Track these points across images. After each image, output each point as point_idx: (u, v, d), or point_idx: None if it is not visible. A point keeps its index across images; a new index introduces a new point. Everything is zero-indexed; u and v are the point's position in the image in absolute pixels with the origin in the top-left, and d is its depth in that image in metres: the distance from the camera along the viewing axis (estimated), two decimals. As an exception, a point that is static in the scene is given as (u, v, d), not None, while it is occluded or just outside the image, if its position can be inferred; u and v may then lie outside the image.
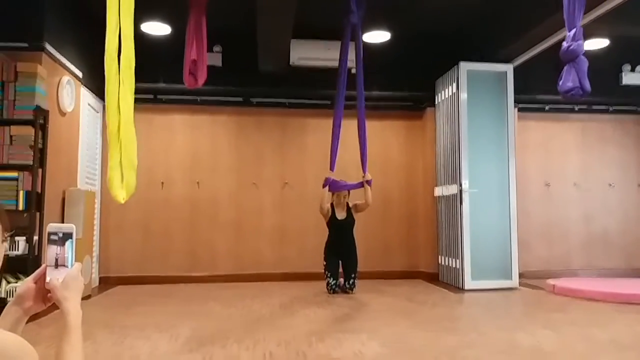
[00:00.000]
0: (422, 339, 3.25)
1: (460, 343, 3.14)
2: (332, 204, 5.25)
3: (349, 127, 5.28)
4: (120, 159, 2.32)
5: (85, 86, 5.14)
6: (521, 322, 3.82)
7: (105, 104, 2.37)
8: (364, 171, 5.07)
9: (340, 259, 5.17)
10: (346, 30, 4.80)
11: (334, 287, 5.05)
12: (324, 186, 5.09)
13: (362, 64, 4.85)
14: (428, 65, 6.05)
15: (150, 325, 3.62)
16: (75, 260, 1.12)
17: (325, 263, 5.17)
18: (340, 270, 5.18)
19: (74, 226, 1.13)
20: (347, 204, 5.27)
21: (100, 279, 5.63)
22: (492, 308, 4.48)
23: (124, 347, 3.06)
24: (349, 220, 5.23)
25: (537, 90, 6.21)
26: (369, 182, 5.11)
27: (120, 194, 2.31)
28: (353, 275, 5.10)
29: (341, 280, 5.17)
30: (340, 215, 5.24)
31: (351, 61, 4.95)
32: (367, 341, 3.17)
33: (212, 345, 3.06)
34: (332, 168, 5.01)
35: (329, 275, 5.08)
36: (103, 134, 5.68)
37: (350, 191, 5.27)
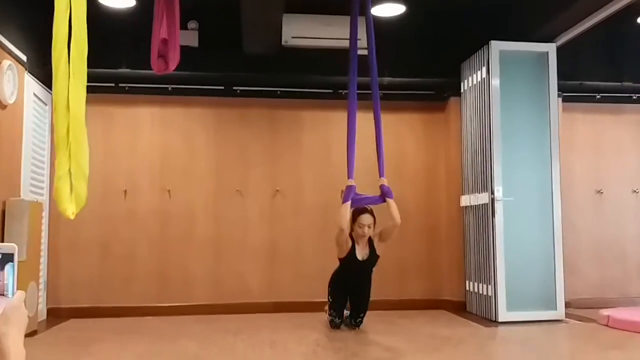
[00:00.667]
0: (446, 383, 3.24)
1: (494, 388, 3.13)
2: (351, 235, 4.81)
3: (359, 120, 5.21)
4: (70, 167, 2.35)
5: (31, 73, 5.14)
6: (569, 361, 3.81)
7: (53, 101, 2.38)
8: (380, 175, 4.84)
9: (349, 295, 5.00)
10: (353, 2, 4.81)
11: (338, 325, 4.98)
12: (345, 200, 4.67)
13: (374, 45, 4.87)
14: (451, 45, 6.06)
15: (109, 368, 3.60)
16: (17, 288, 1.12)
17: (330, 300, 4.99)
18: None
19: (15, 246, 1.12)
20: (370, 238, 4.85)
21: (49, 310, 5.62)
22: (532, 345, 4.46)
23: (77, 395, 3.05)
24: (372, 260, 4.87)
25: (586, 75, 6.22)
26: (386, 192, 4.75)
27: (69, 208, 2.33)
28: (362, 315, 5.00)
29: (346, 312, 5.13)
30: (362, 253, 4.84)
31: (359, 40, 4.96)
32: (378, 386, 3.16)
33: (187, 393, 3.05)
34: (350, 175, 4.73)
35: (333, 314, 4.96)
36: (52, 132, 5.68)
37: (376, 218, 4.87)
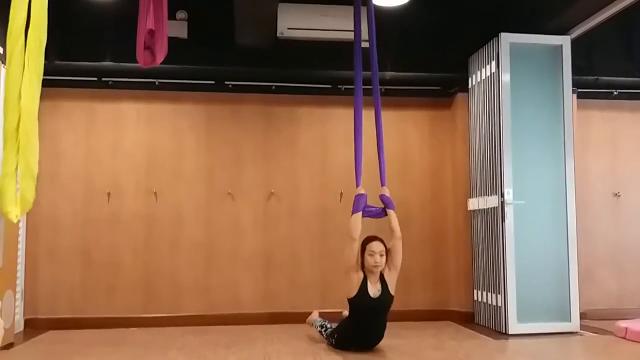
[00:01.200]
0: (452, 400, 3.25)
1: (504, 405, 3.13)
2: (362, 266, 4.53)
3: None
4: (17, 165, 2.35)
5: (6, 66, 5.14)
6: (584, 377, 3.82)
7: (4, 93, 2.37)
8: (382, 183, 4.78)
9: (358, 347, 4.64)
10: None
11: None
12: (356, 209, 4.52)
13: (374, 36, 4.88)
14: (459, 38, 6.07)
15: (91, 383, 3.61)
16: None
17: (334, 341, 4.68)
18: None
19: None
20: (381, 273, 4.56)
21: (26, 321, 5.61)
22: (544, 359, 4.46)
23: (56, 412, 3.05)
24: (385, 298, 4.51)
25: (603, 70, 6.23)
26: (387, 203, 4.65)
27: (13, 211, 2.33)
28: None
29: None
30: (374, 289, 4.49)
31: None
32: (380, 403, 3.16)
33: (174, 410, 3.05)
34: (358, 183, 4.65)
35: (334, 344, 4.71)
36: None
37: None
